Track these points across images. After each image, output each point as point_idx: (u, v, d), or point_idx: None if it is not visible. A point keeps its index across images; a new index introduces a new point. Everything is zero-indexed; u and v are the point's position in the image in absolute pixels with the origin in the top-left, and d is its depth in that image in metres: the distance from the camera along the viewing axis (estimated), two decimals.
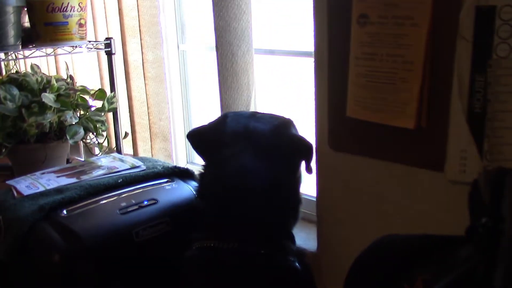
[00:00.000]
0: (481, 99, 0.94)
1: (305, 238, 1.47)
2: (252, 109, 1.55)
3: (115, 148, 2.04)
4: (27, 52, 1.77)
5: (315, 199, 1.34)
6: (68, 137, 1.75)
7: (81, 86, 1.90)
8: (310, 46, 1.26)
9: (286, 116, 1.34)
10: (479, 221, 0.73)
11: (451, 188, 1.02)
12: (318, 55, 1.23)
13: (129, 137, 2.11)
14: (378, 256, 0.87)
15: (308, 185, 1.36)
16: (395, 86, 1.06)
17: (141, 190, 1.37)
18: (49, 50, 1.81)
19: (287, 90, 1.83)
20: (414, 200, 1.10)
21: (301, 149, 1.28)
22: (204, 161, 1.35)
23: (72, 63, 2.32)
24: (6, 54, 1.92)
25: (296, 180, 1.30)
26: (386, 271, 0.83)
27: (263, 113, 1.35)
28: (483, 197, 0.75)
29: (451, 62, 0.97)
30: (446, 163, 1.01)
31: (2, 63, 2.38)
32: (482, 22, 0.92)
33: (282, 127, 1.28)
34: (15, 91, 1.69)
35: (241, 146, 1.23)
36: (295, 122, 1.33)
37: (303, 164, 1.31)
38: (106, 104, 1.88)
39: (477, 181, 0.79)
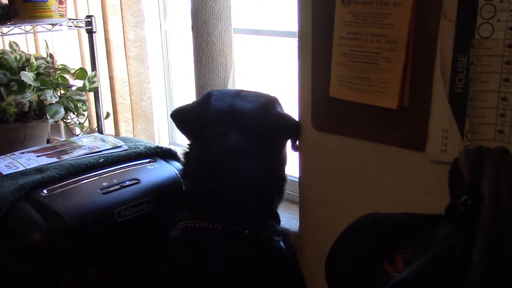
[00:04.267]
0: (463, 79, 0.94)
1: (287, 218, 1.47)
2: None
3: (96, 128, 2.02)
4: (5, 29, 1.73)
5: (297, 180, 1.35)
6: (48, 117, 1.72)
7: (61, 65, 1.87)
8: (294, 26, 1.25)
9: (271, 94, 1.33)
10: (459, 200, 0.74)
11: (433, 167, 1.03)
12: (302, 35, 1.22)
13: (111, 117, 2.09)
14: (359, 235, 0.87)
15: (291, 166, 1.36)
16: (378, 66, 1.06)
17: (123, 170, 1.36)
18: (28, 27, 1.77)
19: (270, 70, 1.82)
20: (396, 180, 1.11)
21: (288, 127, 1.28)
22: (188, 140, 1.34)
23: (52, 42, 2.28)
24: None
25: (281, 159, 1.30)
26: (367, 249, 0.84)
27: (248, 91, 1.34)
28: (463, 176, 0.76)
29: (434, 42, 0.97)
30: (427, 143, 1.02)
31: None
32: (466, 2, 0.92)
33: (267, 106, 1.27)
34: None
35: (226, 125, 1.23)
36: (280, 100, 1.33)
37: (288, 143, 1.31)
38: (87, 84, 1.85)
39: (457, 161, 0.79)
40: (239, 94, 1.31)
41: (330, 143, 1.22)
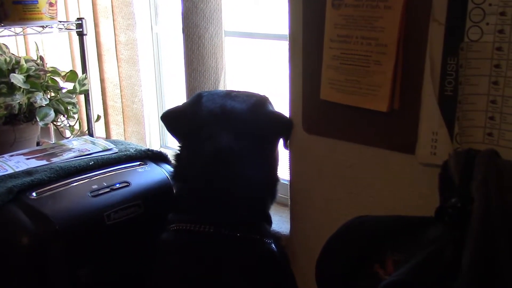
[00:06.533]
0: (452, 82, 0.95)
1: (278, 221, 1.47)
2: None
3: (86, 131, 2.01)
4: None
5: (288, 183, 1.35)
6: (38, 119, 1.71)
7: (51, 67, 1.86)
8: (284, 29, 1.25)
9: (262, 93, 1.33)
10: (448, 202, 0.74)
11: (423, 170, 1.03)
12: (292, 37, 1.22)
13: (102, 120, 2.08)
14: (349, 238, 0.88)
15: (282, 169, 1.36)
16: (368, 69, 1.06)
17: (113, 172, 1.35)
18: (18, 29, 1.76)
19: (262, 73, 1.82)
20: (386, 182, 1.11)
21: (280, 125, 1.28)
22: (179, 142, 1.33)
23: (42, 44, 2.27)
24: None
25: (273, 159, 1.30)
26: (357, 252, 0.84)
27: (239, 91, 1.34)
28: (452, 178, 0.76)
29: (424, 45, 0.98)
30: (417, 146, 1.02)
31: None
32: (455, 5, 0.92)
33: (259, 105, 1.27)
34: None
35: (218, 126, 1.22)
36: (271, 100, 1.33)
37: (280, 142, 1.31)
38: (77, 86, 1.84)
39: (446, 163, 0.80)
40: (229, 94, 1.31)
41: (320, 146, 1.22)
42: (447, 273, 0.68)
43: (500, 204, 0.67)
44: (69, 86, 1.87)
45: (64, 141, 1.61)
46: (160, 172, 1.40)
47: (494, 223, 0.66)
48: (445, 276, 0.68)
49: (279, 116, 1.28)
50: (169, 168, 1.42)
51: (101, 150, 1.47)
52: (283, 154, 1.33)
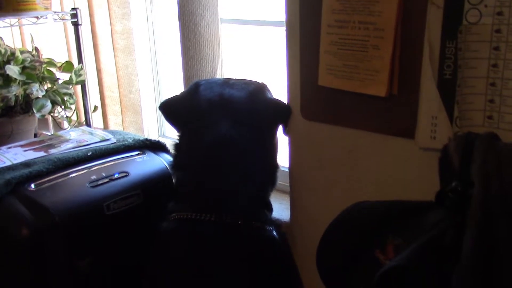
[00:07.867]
0: (451, 65, 0.94)
1: (278, 208, 1.47)
2: None
3: (84, 122, 2.00)
4: None
5: (288, 170, 1.34)
6: (35, 111, 1.70)
7: (47, 58, 1.85)
8: (281, 15, 1.24)
9: (260, 80, 1.33)
10: (448, 186, 0.74)
11: (423, 154, 1.02)
12: (289, 24, 1.21)
13: (99, 110, 2.07)
14: (349, 223, 0.87)
15: (281, 156, 1.35)
16: (367, 54, 1.05)
17: (111, 163, 1.35)
18: (13, 20, 1.74)
19: (259, 60, 1.81)
20: (386, 168, 1.11)
21: (279, 112, 1.28)
22: (178, 132, 1.33)
23: (38, 35, 2.25)
24: None
25: (273, 146, 1.30)
26: (357, 238, 0.84)
27: (236, 79, 1.33)
28: (452, 162, 0.76)
29: (422, 29, 0.97)
30: (417, 130, 1.02)
31: None
32: None
33: (257, 92, 1.27)
34: None
35: (217, 114, 1.22)
36: (268, 86, 1.32)
37: (279, 129, 1.30)
38: (73, 77, 1.83)
39: (446, 147, 0.79)
40: (227, 82, 1.30)
41: (319, 132, 1.21)
42: (448, 258, 0.68)
43: (499, 187, 0.67)
44: (65, 77, 1.86)
45: (61, 132, 1.60)
46: (159, 161, 1.40)
47: (494, 206, 0.65)
48: (446, 261, 0.68)
49: (278, 103, 1.28)
50: (168, 157, 1.42)
51: (99, 140, 1.47)
52: (283, 141, 1.33)
